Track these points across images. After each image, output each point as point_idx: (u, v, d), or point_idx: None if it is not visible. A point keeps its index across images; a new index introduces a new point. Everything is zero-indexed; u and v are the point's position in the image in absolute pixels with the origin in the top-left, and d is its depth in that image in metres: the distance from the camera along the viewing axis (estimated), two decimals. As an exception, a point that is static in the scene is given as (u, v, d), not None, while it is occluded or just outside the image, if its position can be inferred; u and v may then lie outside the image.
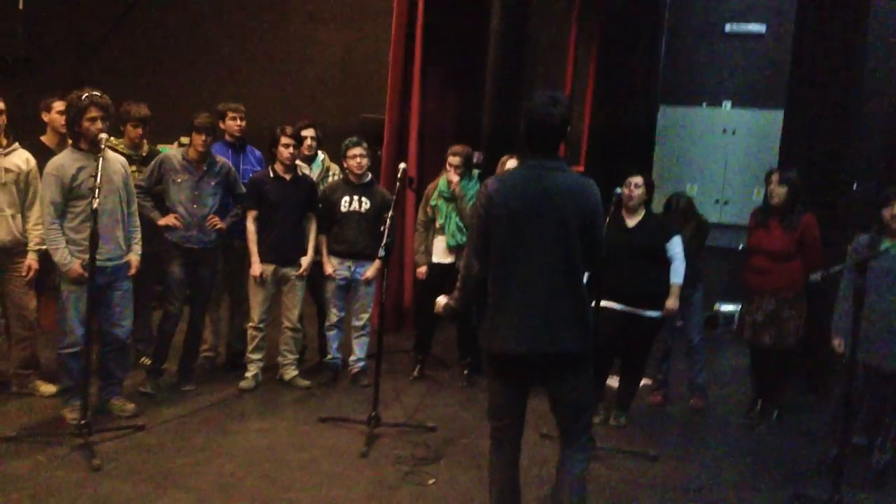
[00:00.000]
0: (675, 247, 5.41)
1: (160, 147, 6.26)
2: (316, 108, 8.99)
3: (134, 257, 5.03)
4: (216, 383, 5.87)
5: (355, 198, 5.91)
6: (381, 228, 5.10)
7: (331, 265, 5.93)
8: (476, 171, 6.78)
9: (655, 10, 8.30)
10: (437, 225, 6.18)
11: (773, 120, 8.29)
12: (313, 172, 6.27)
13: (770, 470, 5.01)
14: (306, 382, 5.92)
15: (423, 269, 6.26)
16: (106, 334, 4.97)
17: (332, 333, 6.07)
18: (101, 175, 4.50)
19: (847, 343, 4.66)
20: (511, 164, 5.80)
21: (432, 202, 6.21)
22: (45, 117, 5.62)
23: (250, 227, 5.75)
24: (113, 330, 4.95)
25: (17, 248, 5.17)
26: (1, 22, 9.49)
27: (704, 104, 9.08)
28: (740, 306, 5.89)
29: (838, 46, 6.74)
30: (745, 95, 8.97)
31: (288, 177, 5.79)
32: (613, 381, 5.77)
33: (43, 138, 5.61)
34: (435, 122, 7.86)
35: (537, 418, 4.71)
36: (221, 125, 6.06)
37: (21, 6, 9.77)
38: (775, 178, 5.58)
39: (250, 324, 5.85)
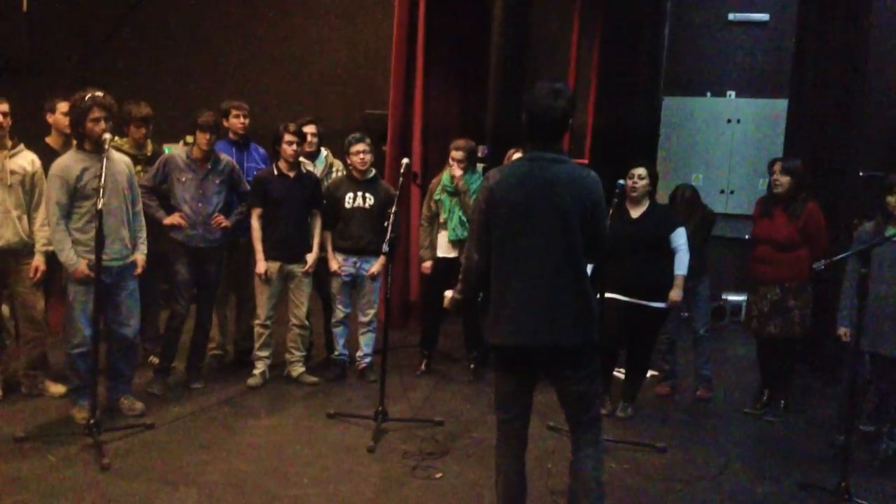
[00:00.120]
0: (680, 238, 5.41)
1: (166, 147, 6.28)
2: (320, 105, 9.00)
3: (140, 257, 5.05)
4: (224, 381, 5.90)
5: (359, 194, 5.93)
6: (385, 224, 5.11)
7: (336, 261, 5.95)
8: (480, 165, 6.80)
9: (658, 0, 8.26)
10: (441, 220, 6.19)
11: (777, 109, 8.26)
12: (317, 169, 6.28)
13: (778, 459, 5.02)
14: (314, 379, 5.94)
15: (427, 264, 6.27)
16: (113, 334, 5.00)
17: (338, 330, 6.09)
18: (106, 175, 4.52)
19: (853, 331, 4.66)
20: (516, 157, 5.79)
21: (436, 197, 6.23)
22: (50, 119, 5.64)
23: (255, 224, 5.77)
24: (120, 329, 4.98)
25: (25, 250, 5.19)
26: (5, 24, 9.50)
27: (709, 94, 9.04)
28: (746, 296, 5.88)
29: (842, 33, 6.72)
30: (750, 85, 8.93)
31: (292, 174, 5.80)
32: (620, 373, 5.78)
33: (48, 139, 5.63)
34: (438, 117, 7.87)
35: (545, 411, 4.74)
36: (225, 123, 6.07)
37: (25, 8, 9.78)
38: (778, 167, 5.57)
39: (257, 321, 5.87)
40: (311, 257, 5.87)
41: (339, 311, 6.05)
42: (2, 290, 5.36)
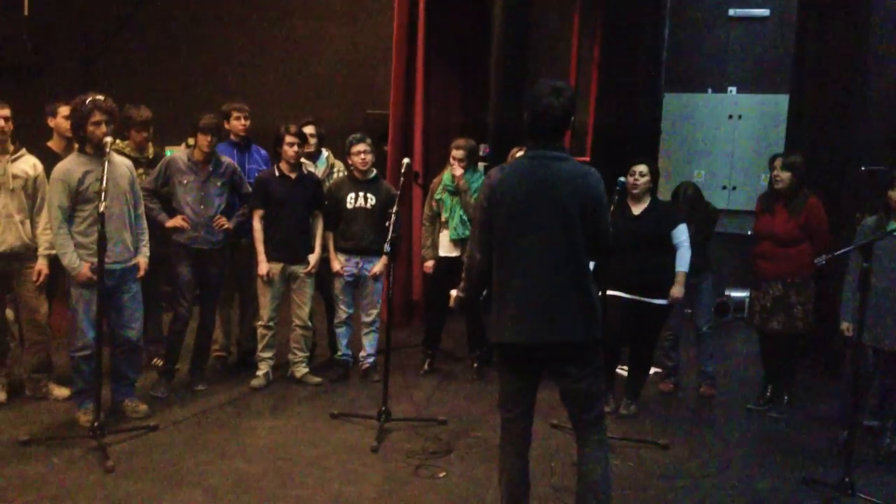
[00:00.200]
0: (681, 234, 5.41)
1: (167, 149, 6.29)
2: (321, 106, 9.01)
3: (142, 259, 5.06)
4: (228, 382, 5.92)
5: (361, 194, 5.93)
6: (386, 224, 5.11)
7: (338, 262, 5.96)
8: (482, 165, 6.80)
9: (658, -3, 8.26)
10: (443, 219, 6.20)
11: (778, 104, 8.25)
12: (318, 170, 6.29)
13: (781, 454, 5.02)
14: (317, 379, 5.95)
15: (430, 264, 6.28)
16: (117, 336, 5.02)
17: (341, 330, 6.10)
18: (108, 178, 4.53)
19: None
20: (519, 155, 5.79)
21: (437, 196, 6.24)
22: (51, 122, 5.66)
23: (256, 226, 5.78)
24: (123, 332, 4.99)
25: (27, 254, 5.20)
26: (6, 28, 9.53)
27: (709, 90, 9.04)
28: (749, 292, 5.88)
29: (843, 28, 6.71)
30: (751, 80, 8.92)
31: (293, 175, 5.81)
32: (622, 370, 5.78)
33: (49, 143, 5.64)
34: (440, 116, 7.88)
35: (547, 409, 4.74)
36: (226, 125, 6.08)
37: (26, 12, 9.81)
38: (778, 163, 5.58)
39: (260, 322, 5.89)
40: (313, 258, 5.87)
41: (342, 312, 6.05)
42: (5, 295, 5.38)
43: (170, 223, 5.51)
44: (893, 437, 4.92)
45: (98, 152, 4.73)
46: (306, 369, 5.99)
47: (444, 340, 6.68)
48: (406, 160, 5.51)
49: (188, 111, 5.64)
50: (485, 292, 3.59)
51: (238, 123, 6.14)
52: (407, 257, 7.74)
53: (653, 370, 5.98)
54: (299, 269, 5.84)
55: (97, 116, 4.73)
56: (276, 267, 5.79)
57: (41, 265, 5.17)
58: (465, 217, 6.07)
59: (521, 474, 3.53)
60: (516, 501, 3.52)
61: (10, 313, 5.48)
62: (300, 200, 5.82)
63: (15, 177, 5.15)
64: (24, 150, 5.26)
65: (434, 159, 7.62)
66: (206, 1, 10.14)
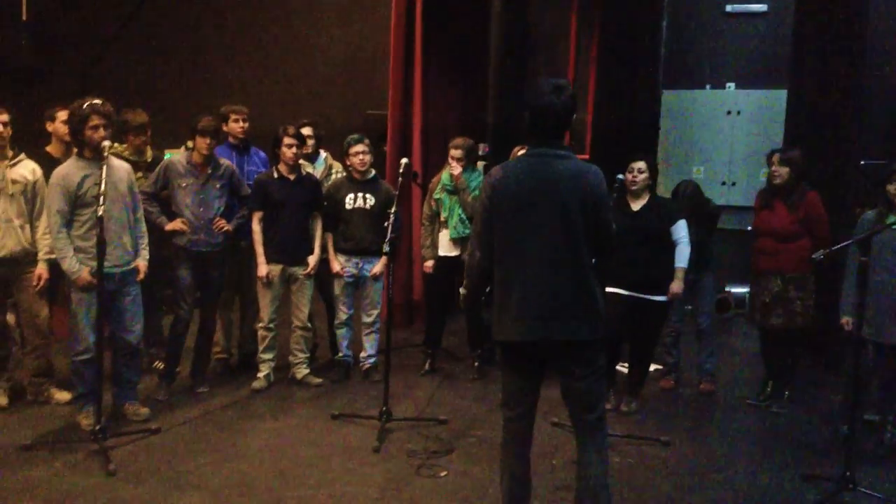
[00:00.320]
0: (680, 230, 5.41)
1: (167, 152, 6.30)
2: (321, 106, 9.02)
3: (142, 263, 5.07)
4: (229, 384, 5.93)
5: (360, 195, 5.94)
6: (385, 224, 5.12)
7: (338, 263, 5.96)
8: (481, 164, 6.81)
9: (655, -6, 8.25)
10: (442, 218, 6.20)
11: (777, 100, 8.24)
12: (316, 171, 6.30)
13: (783, 449, 5.02)
14: (318, 380, 5.96)
15: (430, 263, 6.29)
16: (117, 340, 5.02)
17: (341, 331, 6.11)
18: (106, 182, 4.54)
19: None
20: (521, 154, 5.80)
21: (436, 196, 6.24)
22: (50, 127, 5.67)
23: (255, 228, 5.79)
24: (124, 335, 5.00)
25: (27, 258, 5.22)
26: (5, 33, 9.56)
27: (708, 86, 9.04)
28: (749, 288, 5.88)
29: (840, 22, 6.70)
30: (749, 76, 8.92)
31: (292, 177, 5.81)
32: (623, 368, 5.78)
33: (48, 148, 5.66)
34: (438, 116, 7.88)
35: (548, 407, 4.74)
36: (224, 128, 6.09)
37: (25, 17, 9.83)
38: (776, 158, 5.57)
39: (260, 324, 5.89)
40: (312, 259, 5.88)
41: (342, 313, 6.06)
42: (6, 299, 5.39)
43: (169, 226, 5.52)
44: (894, 430, 4.92)
45: (96, 156, 4.73)
46: (307, 370, 5.99)
47: (445, 340, 6.68)
48: (404, 160, 5.52)
49: (188, 114, 5.65)
50: (488, 290, 3.60)
51: (236, 126, 6.15)
52: (407, 257, 7.74)
53: (653, 367, 5.98)
54: (299, 271, 5.85)
55: (95, 120, 4.73)
56: (276, 269, 5.79)
57: (41, 270, 5.18)
58: (464, 216, 6.08)
59: (522, 473, 3.54)
60: (517, 500, 3.53)
61: (11, 318, 5.49)
62: (299, 202, 5.83)
63: (14, 182, 5.16)
64: (23, 155, 5.27)
65: (433, 159, 7.63)
66: (204, 4, 10.16)
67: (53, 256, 4.94)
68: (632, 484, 4.43)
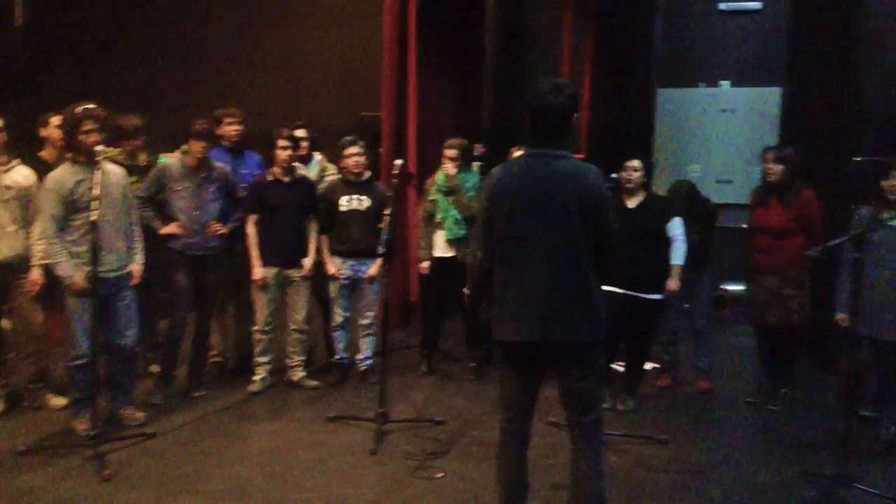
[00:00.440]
0: (676, 228, 5.42)
1: (161, 156, 6.29)
2: (316, 109, 8.99)
3: (136, 267, 5.05)
4: (225, 388, 5.91)
5: (354, 196, 5.93)
6: (379, 226, 5.11)
7: (333, 265, 5.95)
8: (476, 164, 6.80)
9: (649, -8, 8.29)
10: (437, 219, 6.19)
11: (771, 97, 8.25)
12: (310, 173, 6.28)
13: (779, 447, 5.02)
14: (315, 383, 5.95)
15: (425, 264, 6.28)
16: (112, 345, 5.01)
17: (337, 334, 6.10)
18: (100, 187, 4.53)
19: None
20: (517, 155, 5.79)
21: (431, 197, 6.23)
22: (43, 132, 5.65)
23: (251, 231, 5.78)
24: (119, 340, 4.99)
25: (22, 264, 5.20)
26: (-1, 39, 9.57)
27: (702, 85, 9.04)
28: (746, 286, 5.88)
29: (835, 19, 6.71)
30: (744, 74, 8.92)
31: (287, 179, 5.81)
32: (619, 366, 5.77)
33: (42, 154, 5.64)
34: (433, 117, 7.88)
35: (545, 407, 4.72)
36: (218, 131, 6.08)
37: (18, 23, 9.83)
38: (770, 155, 5.57)
39: (256, 327, 5.88)
40: (307, 261, 5.87)
41: (338, 316, 6.05)
42: (1, 306, 5.37)
43: (164, 230, 5.51)
44: (891, 427, 4.91)
45: (90, 161, 4.71)
46: (304, 373, 5.99)
47: (442, 341, 6.68)
48: (398, 161, 5.51)
49: (184, 118, 5.63)
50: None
51: (230, 129, 6.13)
52: (403, 258, 7.73)
53: (651, 365, 5.98)
54: (294, 274, 5.84)
55: (88, 125, 4.72)
56: (271, 271, 5.78)
57: (35, 275, 5.16)
58: (459, 217, 6.08)
59: (519, 475, 3.53)
60: (514, 501, 3.52)
61: (6, 323, 5.48)
62: (294, 204, 5.82)
63: (8, 188, 5.15)
64: (17, 161, 5.26)
65: (428, 160, 7.61)
66: (199, 9, 10.14)
67: (47, 262, 4.93)
68: (629, 483, 4.43)
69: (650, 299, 5.32)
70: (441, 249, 6.22)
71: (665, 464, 4.71)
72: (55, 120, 5.45)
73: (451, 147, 6.12)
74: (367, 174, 6.03)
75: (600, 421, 3.50)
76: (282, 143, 5.71)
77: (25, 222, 5.23)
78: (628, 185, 5.41)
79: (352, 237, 5.92)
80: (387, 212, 5.17)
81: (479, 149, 7.39)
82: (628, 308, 5.29)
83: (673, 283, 5.34)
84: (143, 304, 5.29)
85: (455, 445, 4.89)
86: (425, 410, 5.51)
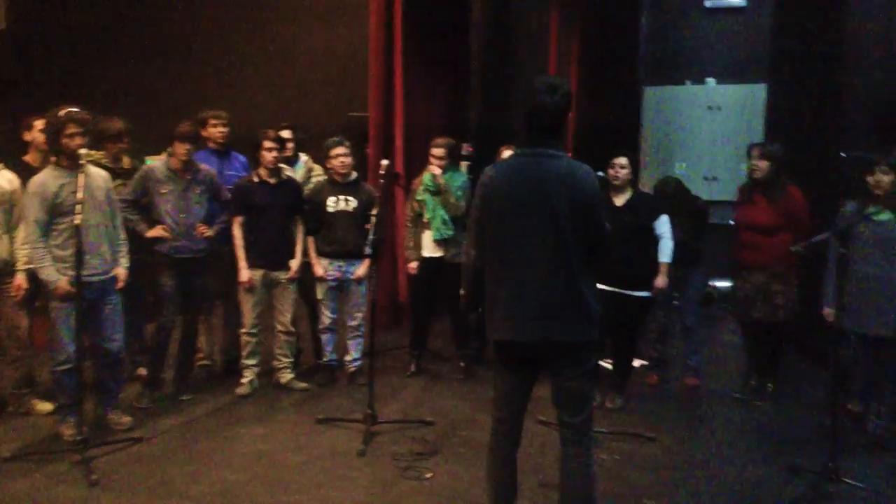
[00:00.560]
0: (663, 225, 5.43)
1: (147, 159, 6.26)
2: (302, 109, 8.98)
3: (121, 271, 5.02)
4: (213, 391, 5.89)
5: (341, 197, 5.91)
6: (367, 226, 5.10)
7: (321, 266, 5.93)
8: (464, 164, 6.80)
9: (635, -9, 8.31)
10: (425, 219, 6.18)
11: (757, 94, 8.27)
12: (296, 174, 6.26)
13: (767, 442, 5.04)
14: (303, 385, 5.93)
15: (413, 265, 6.27)
16: (98, 349, 4.98)
17: (326, 336, 6.08)
18: (84, 190, 4.50)
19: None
20: (506, 154, 5.80)
21: (418, 197, 6.22)
22: (27, 136, 5.61)
23: (236, 233, 5.76)
24: (105, 344, 4.96)
25: (6, 269, 5.17)
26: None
27: (688, 82, 9.07)
28: (732, 282, 5.90)
29: (819, 16, 6.73)
30: (729, 71, 8.96)
31: (273, 181, 5.79)
32: (607, 364, 5.78)
33: (26, 158, 5.60)
34: (420, 117, 7.86)
35: (535, 406, 4.72)
36: (204, 133, 6.05)
37: (2, 26, 9.77)
38: (756, 152, 5.59)
39: (243, 330, 5.86)
40: (294, 263, 5.85)
41: (326, 317, 6.03)
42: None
43: (150, 233, 5.48)
44: (878, 422, 4.93)
45: (74, 164, 4.68)
46: (291, 375, 5.97)
47: (431, 341, 6.67)
48: (385, 161, 5.49)
49: (171, 121, 5.61)
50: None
51: (216, 130, 6.11)
52: (391, 259, 7.72)
53: (639, 363, 5.99)
54: (281, 275, 5.82)
55: (71, 129, 4.69)
56: (258, 273, 5.76)
57: (20, 280, 5.13)
58: (446, 217, 6.07)
59: (508, 474, 3.53)
60: (503, 501, 3.52)
61: (-6, 329, 5.45)
62: (280, 206, 5.80)
63: (-9, 192, 5.12)
64: (0, 165, 5.23)
65: (416, 160, 7.60)
66: (184, 10, 10.11)
67: (32, 266, 4.90)
68: (618, 480, 4.43)
69: (636, 297, 5.32)
70: (429, 249, 6.21)
71: (654, 461, 4.72)
72: (38, 124, 5.41)
73: (437, 146, 6.11)
74: (354, 175, 6.01)
75: (590, 421, 3.50)
76: (267, 144, 5.69)
77: (9, 227, 5.20)
78: (615, 183, 5.41)
79: (339, 238, 5.90)
80: (374, 212, 5.15)
81: (466, 148, 7.40)
82: (614, 305, 5.28)
83: (660, 281, 5.35)
84: (129, 308, 5.26)
85: (444, 446, 4.89)
86: (414, 411, 5.50)
